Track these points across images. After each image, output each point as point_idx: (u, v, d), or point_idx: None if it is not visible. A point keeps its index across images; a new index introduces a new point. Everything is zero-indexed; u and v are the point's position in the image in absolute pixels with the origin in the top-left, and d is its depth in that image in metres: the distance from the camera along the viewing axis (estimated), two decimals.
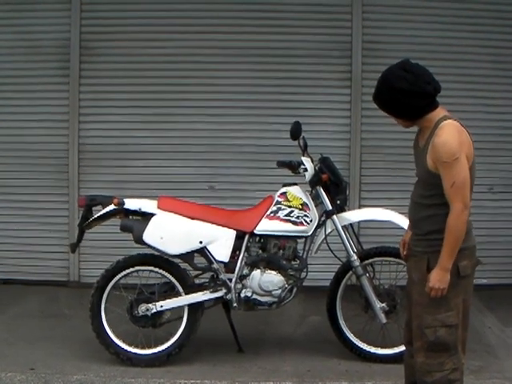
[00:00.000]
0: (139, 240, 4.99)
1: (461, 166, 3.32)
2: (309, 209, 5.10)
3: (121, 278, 5.07)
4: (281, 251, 5.11)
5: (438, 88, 3.43)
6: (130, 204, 5.06)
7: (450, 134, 3.34)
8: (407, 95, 3.37)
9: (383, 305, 5.04)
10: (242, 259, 5.09)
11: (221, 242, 5.05)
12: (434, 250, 3.43)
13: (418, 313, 3.50)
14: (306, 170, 5.12)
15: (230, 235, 5.07)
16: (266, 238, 5.12)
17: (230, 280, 5.06)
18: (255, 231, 5.09)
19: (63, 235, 7.16)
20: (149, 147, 7.15)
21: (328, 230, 5.15)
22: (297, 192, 5.14)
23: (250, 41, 7.14)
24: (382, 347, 5.11)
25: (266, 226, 5.07)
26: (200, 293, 5.06)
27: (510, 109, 7.15)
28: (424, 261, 3.49)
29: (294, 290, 5.11)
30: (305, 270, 5.14)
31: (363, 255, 5.15)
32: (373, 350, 5.14)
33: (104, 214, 5.08)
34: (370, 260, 5.17)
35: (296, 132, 5.12)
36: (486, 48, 7.07)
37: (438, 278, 3.38)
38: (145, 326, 5.06)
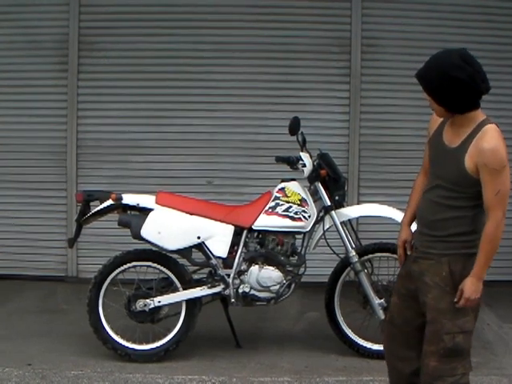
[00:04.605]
0: (137, 235, 4.99)
1: (507, 174, 3.21)
2: (307, 204, 5.09)
3: (118, 274, 5.06)
4: (279, 247, 5.10)
5: (489, 89, 3.25)
6: (128, 199, 5.05)
7: (498, 140, 3.21)
8: (461, 87, 3.17)
9: (381, 301, 5.05)
10: (240, 255, 5.08)
11: (219, 238, 5.04)
12: (455, 253, 3.32)
13: (435, 318, 3.36)
14: (304, 165, 5.12)
15: (228, 231, 5.06)
16: (264, 233, 5.12)
17: (228, 275, 5.06)
18: (253, 227, 5.08)
19: (61, 230, 7.14)
20: (147, 142, 7.13)
21: (326, 226, 5.15)
22: (295, 188, 5.13)
23: (249, 36, 7.13)
24: (380, 343, 5.08)
25: (264, 222, 5.06)
26: (198, 288, 5.06)
27: (509, 105, 7.14)
28: (443, 264, 3.35)
29: (292, 285, 5.11)
30: (303, 265, 5.14)
31: (361, 251, 5.15)
32: (371, 346, 5.14)
33: (102, 209, 5.08)
34: (369, 256, 5.17)
35: (295, 128, 5.12)
36: (486, 44, 7.03)
37: (474, 289, 3.25)
38: (142, 321, 5.06)
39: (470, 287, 3.25)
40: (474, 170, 3.23)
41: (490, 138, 3.20)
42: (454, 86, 3.17)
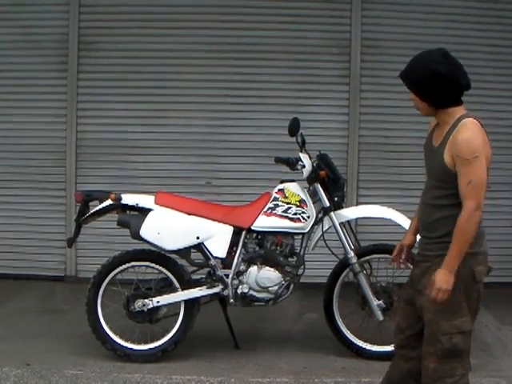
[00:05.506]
0: (136, 235, 4.98)
1: (480, 164, 3.24)
2: (306, 205, 5.09)
3: (117, 274, 5.05)
4: (278, 248, 5.10)
5: (469, 85, 3.35)
6: (127, 199, 5.05)
7: (472, 131, 3.26)
8: (443, 81, 3.27)
9: (380, 302, 5.05)
10: (239, 255, 5.08)
11: (218, 238, 5.04)
12: (445, 254, 3.31)
13: (432, 319, 3.38)
14: (303, 166, 5.12)
15: (227, 231, 5.06)
16: (263, 234, 5.11)
17: (227, 276, 5.05)
18: (252, 227, 5.08)
19: (60, 230, 7.15)
20: (146, 143, 7.14)
21: (325, 227, 5.14)
22: (294, 189, 5.13)
23: (249, 37, 7.14)
24: (379, 344, 5.10)
25: (263, 223, 5.06)
26: (196, 289, 5.05)
27: (509, 107, 7.14)
28: (436, 265, 3.35)
29: (291, 286, 5.11)
30: (302, 266, 5.14)
31: (360, 252, 5.15)
32: (369, 347, 5.13)
33: (101, 209, 5.07)
34: (368, 257, 5.17)
35: (294, 128, 5.12)
36: (486, 46, 7.08)
37: (445, 279, 3.25)
38: (141, 321, 5.05)
39: (441, 277, 3.26)
40: (452, 163, 3.29)
41: (465, 129, 3.27)
42: (436, 80, 3.28)
